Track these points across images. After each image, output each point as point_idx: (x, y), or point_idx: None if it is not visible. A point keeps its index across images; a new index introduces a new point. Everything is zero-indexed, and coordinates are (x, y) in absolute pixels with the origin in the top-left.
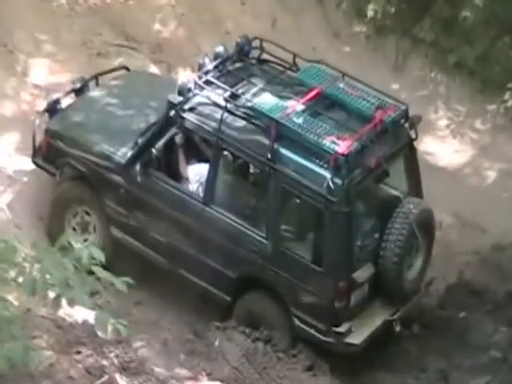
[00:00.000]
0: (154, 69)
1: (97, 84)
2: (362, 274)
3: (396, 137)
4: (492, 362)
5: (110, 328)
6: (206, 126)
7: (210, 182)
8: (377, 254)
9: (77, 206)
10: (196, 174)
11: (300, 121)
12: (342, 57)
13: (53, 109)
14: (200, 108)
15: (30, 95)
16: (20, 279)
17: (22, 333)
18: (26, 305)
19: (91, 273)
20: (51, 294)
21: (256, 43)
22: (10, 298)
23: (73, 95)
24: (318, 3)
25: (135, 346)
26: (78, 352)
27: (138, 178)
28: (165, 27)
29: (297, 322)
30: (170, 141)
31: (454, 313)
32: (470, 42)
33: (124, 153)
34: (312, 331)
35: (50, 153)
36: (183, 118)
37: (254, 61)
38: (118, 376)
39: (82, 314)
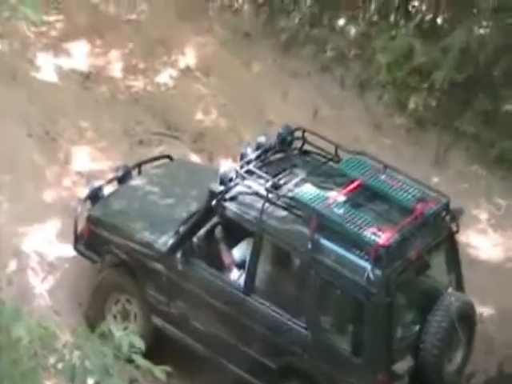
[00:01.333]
0: (195, 158)
1: (139, 172)
2: (402, 366)
3: (437, 229)
4: None
5: None
6: (246, 216)
7: (251, 272)
8: (417, 347)
9: (118, 294)
10: (240, 256)
11: (341, 212)
12: (383, 149)
13: (95, 196)
14: (241, 197)
15: (71, 182)
16: (59, 366)
17: None
18: None
19: (130, 361)
20: (90, 382)
21: (298, 134)
22: None
23: (115, 183)
24: (359, 95)
25: None
26: None
27: (179, 267)
28: (206, 116)
29: None
30: (212, 230)
31: None
32: (511, 136)
33: (165, 241)
34: None
35: (91, 240)
36: (224, 208)
37: (296, 151)
38: None
39: None
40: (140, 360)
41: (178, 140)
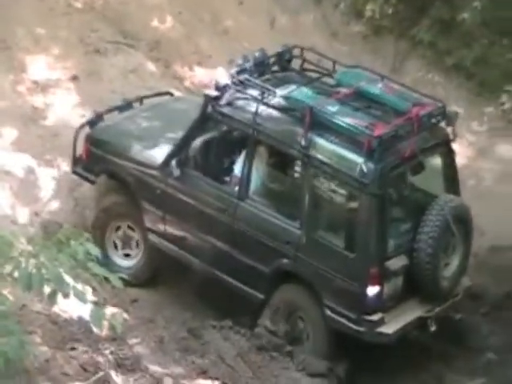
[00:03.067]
0: (151, 66)
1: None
2: (396, 263)
3: (432, 133)
4: (488, 364)
5: (105, 324)
6: (241, 119)
7: (245, 176)
8: (411, 247)
9: (119, 221)
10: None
11: (335, 109)
12: (340, 56)
13: (95, 122)
14: (236, 102)
15: (26, 90)
16: (16, 274)
17: (17, 328)
18: (21, 300)
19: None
20: (47, 290)
21: (297, 51)
22: (6, 292)
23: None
24: (316, 3)
25: (130, 343)
26: (73, 348)
27: (174, 177)
28: (162, 25)
29: (328, 312)
30: (208, 141)
31: (450, 315)
32: (467, 45)
33: (161, 154)
34: (343, 320)
35: (89, 160)
36: (220, 112)
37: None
38: (113, 373)
39: (77, 310)
40: (96, 268)
41: (134, 49)
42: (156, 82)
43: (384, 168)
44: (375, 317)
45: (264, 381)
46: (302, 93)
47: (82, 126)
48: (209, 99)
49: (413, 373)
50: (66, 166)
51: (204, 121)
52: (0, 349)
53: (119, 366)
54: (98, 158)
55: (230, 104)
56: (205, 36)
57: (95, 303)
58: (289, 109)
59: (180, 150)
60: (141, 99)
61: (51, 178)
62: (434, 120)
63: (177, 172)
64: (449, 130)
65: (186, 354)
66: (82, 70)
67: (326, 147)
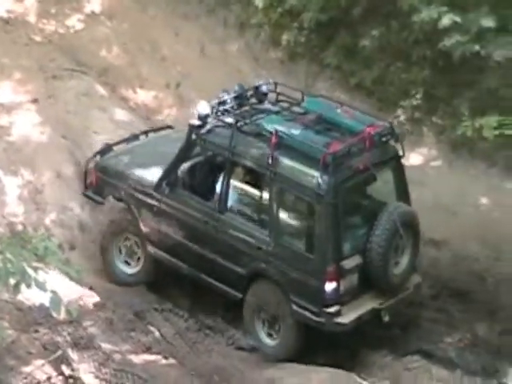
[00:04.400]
0: (100, 90)
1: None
2: (350, 262)
3: (383, 150)
4: (392, 338)
5: (62, 310)
6: (220, 144)
7: (223, 192)
8: (365, 248)
9: (122, 235)
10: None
11: (297, 132)
12: (261, 79)
13: (104, 152)
14: (215, 129)
15: None
16: None
17: None
18: None
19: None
20: (12, 281)
21: (271, 86)
22: None
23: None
24: (240, 33)
25: (85, 325)
26: (36, 331)
27: (166, 196)
28: (109, 54)
29: (294, 307)
30: (194, 164)
31: None
32: (368, 67)
33: (155, 177)
34: (306, 313)
35: (97, 185)
36: (202, 139)
37: (268, 100)
38: (70, 351)
39: (38, 298)
40: (55, 261)
41: (86, 75)
42: (105, 103)
43: (337, 180)
44: (333, 309)
45: (199, 354)
46: (271, 120)
47: (94, 156)
48: (193, 127)
49: (333, 348)
50: (27, 175)
51: (189, 146)
52: None
53: (75, 344)
54: (104, 182)
55: (210, 131)
56: (146, 63)
57: (53, 291)
58: (259, 133)
59: (170, 172)
60: (146, 132)
61: (15, 185)
62: (384, 138)
63: (167, 191)
64: (398, 146)
65: (133, 334)
66: (42, 93)
67: (288, 164)
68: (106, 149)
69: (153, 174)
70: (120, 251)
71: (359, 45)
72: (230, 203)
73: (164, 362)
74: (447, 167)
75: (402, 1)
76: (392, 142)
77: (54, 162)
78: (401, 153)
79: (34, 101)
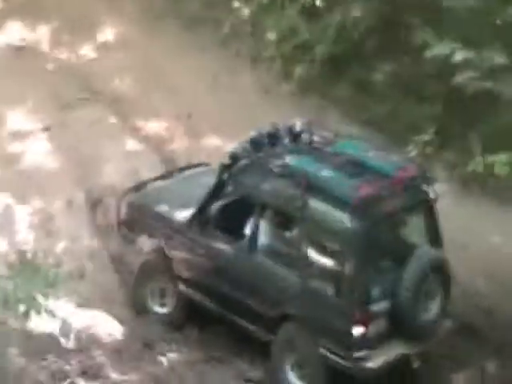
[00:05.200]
0: (112, 119)
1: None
2: (378, 307)
3: (414, 193)
4: None
5: (71, 337)
6: (250, 184)
7: (254, 233)
8: (393, 292)
9: (156, 275)
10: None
11: (328, 174)
12: (272, 111)
13: (138, 188)
14: (247, 169)
15: (5, 138)
16: None
17: None
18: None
19: None
20: (22, 308)
21: (305, 126)
22: None
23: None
24: (252, 66)
25: (94, 353)
26: (45, 359)
27: (197, 235)
28: (121, 84)
29: (322, 350)
30: (226, 204)
31: None
32: (379, 101)
33: (187, 215)
34: (334, 357)
35: (130, 223)
36: (232, 179)
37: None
38: (78, 380)
39: (48, 325)
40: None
41: (98, 103)
42: (116, 132)
43: (366, 224)
44: (361, 353)
45: None
46: (302, 161)
47: (127, 193)
48: (223, 167)
49: None
50: (38, 203)
51: (220, 186)
52: None
53: (84, 373)
54: (136, 220)
55: (241, 171)
56: (157, 92)
57: (63, 319)
58: (289, 175)
59: (201, 211)
60: (181, 169)
61: (26, 213)
62: (415, 182)
63: (199, 230)
64: (430, 190)
65: (141, 364)
66: (54, 121)
67: (318, 207)
68: (140, 186)
69: (185, 213)
70: (152, 291)
71: (371, 79)
72: (259, 244)
73: None
74: (458, 203)
75: (415, 36)
76: (424, 186)
77: (64, 190)
78: (433, 196)
79: (46, 129)
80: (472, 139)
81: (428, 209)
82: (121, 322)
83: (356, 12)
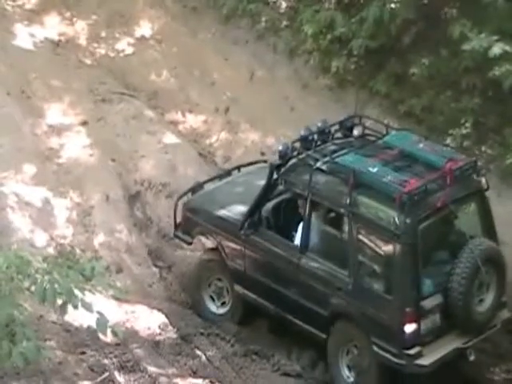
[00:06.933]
0: (149, 113)
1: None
2: (430, 302)
3: (465, 185)
4: None
5: (109, 331)
6: (299, 183)
7: (305, 233)
8: (446, 287)
9: (211, 274)
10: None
11: (375, 170)
12: (310, 106)
13: (196, 190)
14: (296, 168)
15: (44, 133)
16: (33, 288)
17: (34, 334)
18: (38, 312)
19: None
20: (59, 302)
21: (356, 120)
22: (25, 305)
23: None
24: (289, 59)
25: (131, 347)
26: (83, 352)
27: (250, 236)
28: (159, 78)
29: (375, 348)
30: (279, 203)
31: None
32: (417, 95)
33: (241, 217)
34: (387, 355)
35: (186, 224)
36: (282, 178)
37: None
38: (116, 373)
39: (85, 319)
40: (102, 283)
41: (135, 98)
42: (153, 126)
43: (414, 219)
44: (413, 351)
45: (245, 380)
46: (351, 157)
47: (184, 195)
48: (273, 167)
49: None
50: (76, 197)
51: (271, 186)
52: (20, 352)
53: (122, 367)
54: (192, 222)
55: (291, 170)
56: (195, 87)
57: (100, 313)
58: (338, 172)
59: (254, 212)
60: (238, 168)
61: (64, 207)
62: (465, 173)
63: (252, 231)
64: (482, 180)
65: (179, 357)
66: (91, 116)
67: (366, 204)
68: (197, 186)
69: (239, 213)
70: (210, 291)
71: (409, 72)
72: (311, 243)
73: None
74: (496, 197)
75: (453, 29)
76: (475, 177)
77: (102, 185)
78: (485, 186)
79: (84, 123)
80: (510, 133)
81: (480, 200)
82: (158, 315)
83: (393, 5)
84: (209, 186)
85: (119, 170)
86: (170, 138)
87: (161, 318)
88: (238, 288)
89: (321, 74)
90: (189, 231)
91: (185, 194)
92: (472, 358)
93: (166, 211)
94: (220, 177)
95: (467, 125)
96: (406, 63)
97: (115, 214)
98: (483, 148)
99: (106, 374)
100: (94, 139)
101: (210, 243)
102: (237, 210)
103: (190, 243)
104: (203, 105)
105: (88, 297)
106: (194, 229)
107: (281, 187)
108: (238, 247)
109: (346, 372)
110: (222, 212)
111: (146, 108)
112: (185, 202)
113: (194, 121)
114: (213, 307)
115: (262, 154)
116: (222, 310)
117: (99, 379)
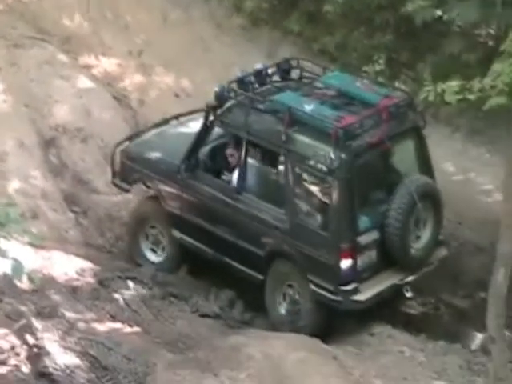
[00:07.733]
0: (63, 58)
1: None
2: (367, 238)
3: (401, 122)
4: None
5: (25, 278)
6: (236, 124)
7: (242, 172)
8: (383, 223)
9: (149, 221)
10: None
11: (312, 108)
12: (224, 46)
13: (133, 138)
14: (233, 110)
15: None
16: None
17: None
18: None
19: None
20: None
21: (293, 62)
22: None
23: None
24: (203, 0)
25: (48, 293)
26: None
27: (188, 179)
28: (72, 22)
29: (312, 286)
30: (215, 147)
31: None
32: (330, 33)
33: (177, 160)
34: (323, 292)
35: (123, 172)
36: (219, 120)
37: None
38: (34, 320)
39: (1, 266)
40: (17, 229)
41: (48, 43)
42: (67, 71)
43: (350, 155)
44: (350, 287)
45: (163, 322)
46: (287, 96)
47: (121, 143)
48: (209, 108)
49: None
50: None
51: (207, 128)
52: None
53: (39, 313)
54: (130, 169)
55: (227, 112)
56: (108, 31)
57: (15, 259)
58: (274, 111)
59: (190, 155)
60: (177, 116)
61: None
62: (401, 109)
63: (189, 174)
64: (419, 117)
65: (97, 302)
66: (4, 61)
67: (302, 141)
68: (134, 135)
69: (177, 158)
70: (147, 239)
71: (322, 10)
72: (248, 184)
73: (129, 329)
74: None
75: None
76: (411, 113)
77: (16, 131)
78: (421, 123)
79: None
80: (423, 68)
81: (416, 136)
82: (75, 261)
83: None
84: (147, 134)
85: (33, 115)
86: (83, 83)
87: (78, 264)
88: (175, 233)
89: (235, 14)
90: (126, 178)
91: (123, 141)
92: (409, 294)
93: (80, 156)
94: (157, 125)
95: (381, 61)
96: (320, 1)
97: (30, 160)
98: (396, 84)
99: (24, 320)
100: (7, 85)
101: (147, 191)
102: (174, 155)
103: (128, 190)
104: (117, 48)
105: (3, 244)
106: (132, 175)
107: (217, 129)
108: (176, 191)
109: (283, 312)
110: (160, 157)
111: (59, 52)
112: (122, 150)
113: (107, 64)
114: (150, 255)
115: (177, 96)
116: (159, 258)
117: (16, 326)
